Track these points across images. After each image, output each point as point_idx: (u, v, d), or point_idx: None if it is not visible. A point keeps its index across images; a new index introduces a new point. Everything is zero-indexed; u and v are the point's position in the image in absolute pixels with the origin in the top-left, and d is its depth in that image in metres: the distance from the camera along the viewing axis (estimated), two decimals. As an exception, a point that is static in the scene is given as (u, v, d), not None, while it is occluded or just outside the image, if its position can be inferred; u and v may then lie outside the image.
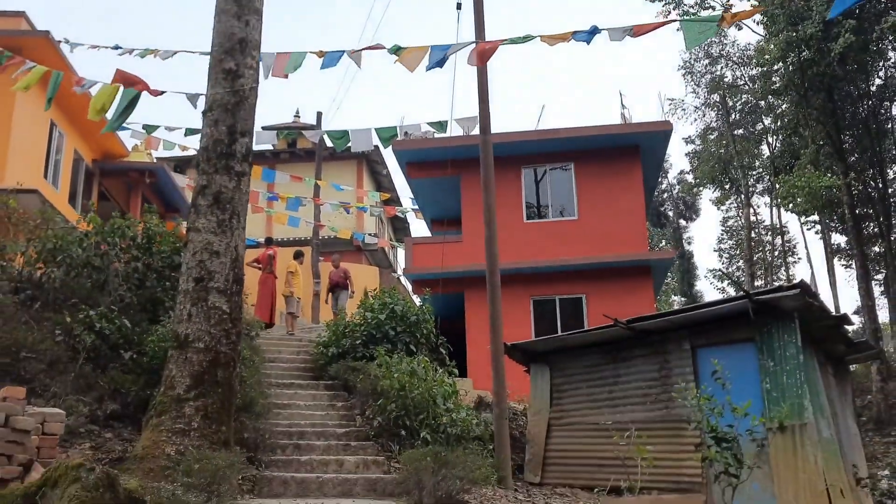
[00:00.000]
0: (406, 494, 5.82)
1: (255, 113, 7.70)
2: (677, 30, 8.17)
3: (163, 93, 8.84)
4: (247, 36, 7.62)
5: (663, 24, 7.72)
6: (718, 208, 40.63)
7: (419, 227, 55.50)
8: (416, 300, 16.61)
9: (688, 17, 8.67)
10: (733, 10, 7.62)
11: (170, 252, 9.22)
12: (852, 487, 9.54)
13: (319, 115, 23.33)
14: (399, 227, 34.61)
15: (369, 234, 26.58)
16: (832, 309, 28.44)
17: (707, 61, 34.74)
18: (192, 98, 9.31)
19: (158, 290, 9.00)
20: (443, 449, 6.38)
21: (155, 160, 21.09)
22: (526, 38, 8.70)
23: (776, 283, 38.33)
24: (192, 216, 7.13)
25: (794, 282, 9.33)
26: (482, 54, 8.79)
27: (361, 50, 9.57)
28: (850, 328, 10.40)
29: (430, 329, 11.66)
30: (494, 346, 8.75)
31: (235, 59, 7.51)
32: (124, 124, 10.03)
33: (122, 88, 8.65)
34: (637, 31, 7.71)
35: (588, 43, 8.16)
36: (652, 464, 6.34)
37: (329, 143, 14.49)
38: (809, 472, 8.10)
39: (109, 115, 9.03)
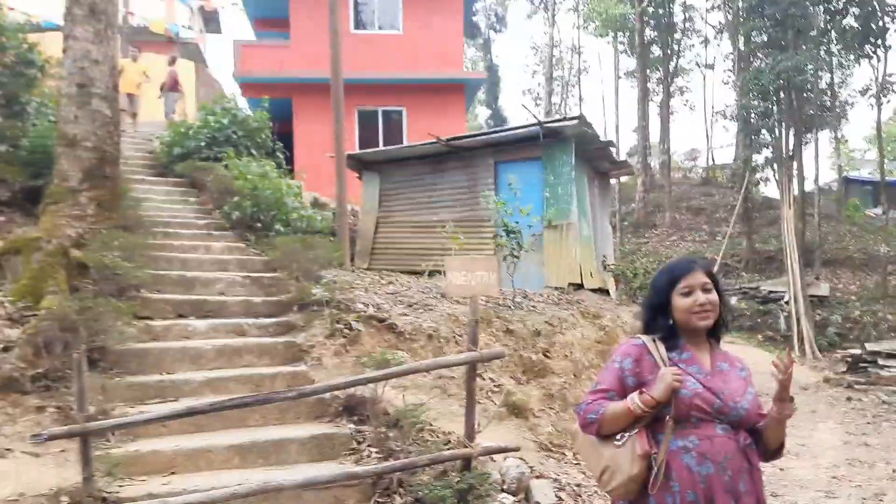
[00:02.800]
0: (281, 269, 7.55)
1: (119, -75, 8.08)
2: None
3: None
4: None
5: None
6: (528, 18, 42.92)
7: (235, 23, 52.44)
8: (242, 102, 17.28)
9: None
10: None
11: (21, 47, 9.43)
12: (600, 271, 12.75)
13: None
14: (210, 19, 33.16)
15: (184, 27, 25.71)
16: (614, 129, 32.50)
17: None
18: None
19: (12, 85, 9.36)
20: (301, 238, 8.11)
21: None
22: None
23: (571, 98, 42.52)
24: (67, 25, 7.68)
25: (574, 114, 11.65)
26: None
27: None
28: (613, 150, 13.11)
29: (268, 134, 12.84)
30: (338, 155, 10.30)
31: None
32: None
33: None
34: None
35: None
36: (462, 247, 8.55)
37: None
38: (569, 259, 10.92)
39: None
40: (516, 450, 4.93)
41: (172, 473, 4.37)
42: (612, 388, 2.32)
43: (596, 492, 5.36)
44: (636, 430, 2.25)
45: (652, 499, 2.22)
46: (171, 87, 15.61)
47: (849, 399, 9.83)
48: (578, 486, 5.41)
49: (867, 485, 5.56)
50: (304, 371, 5.55)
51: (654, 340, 2.35)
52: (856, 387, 11.29)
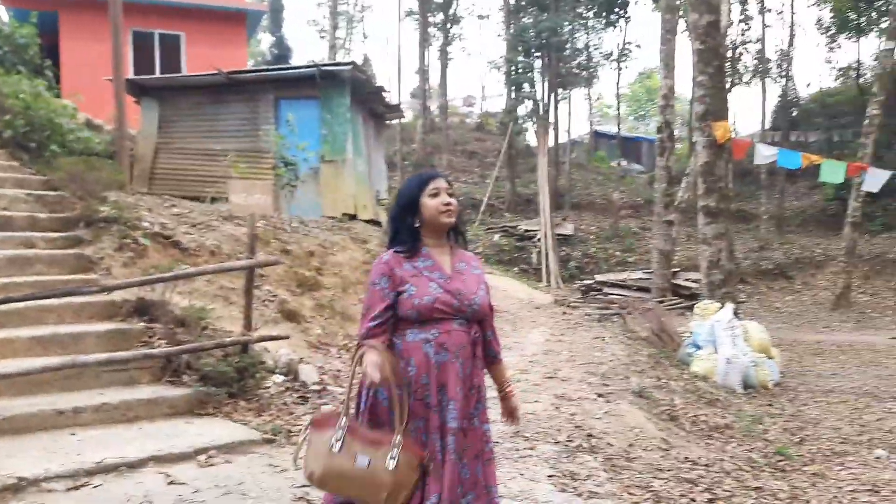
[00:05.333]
0: (64, 189, 7.83)
1: None
2: None
3: None
4: None
5: None
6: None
7: None
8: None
9: None
10: None
11: None
12: (373, 204, 14.07)
13: None
14: None
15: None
16: (396, 69, 33.48)
17: None
18: None
19: None
20: (84, 159, 8.40)
21: None
22: None
23: (357, 35, 42.99)
24: None
25: (357, 53, 12.64)
26: None
27: None
28: (386, 95, 14.33)
29: (37, 51, 12.38)
30: (117, 78, 10.37)
31: None
32: None
33: None
34: None
35: None
36: (244, 176, 9.35)
37: None
38: (344, 192, 12.08)
39: None
40: (286, 338, 6.08)
41: (-23, 360, 4.94)
42: (380, 308, 2.53)
43: (351, 375, 6.67)
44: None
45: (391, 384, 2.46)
46: None
47: (564, 313, 12.15)
48: (338, 371, 6.70)
49: (551, 365, 7.47)
50: (95, 279, 6.18)
51: (396, 252, 2.58)
52: (572, 305, 13.82)
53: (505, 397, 2.82)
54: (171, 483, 3.90)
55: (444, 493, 2.40)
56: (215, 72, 11.64)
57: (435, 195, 2.58)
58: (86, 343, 5.32)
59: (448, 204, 2.59)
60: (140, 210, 7.80)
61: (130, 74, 14.18)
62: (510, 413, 2.84)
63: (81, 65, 15.80)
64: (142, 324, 5.79)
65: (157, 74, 15.55)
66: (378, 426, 2.50)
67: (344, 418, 2.45)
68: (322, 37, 42.43)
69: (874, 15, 28.00)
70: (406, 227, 2.60)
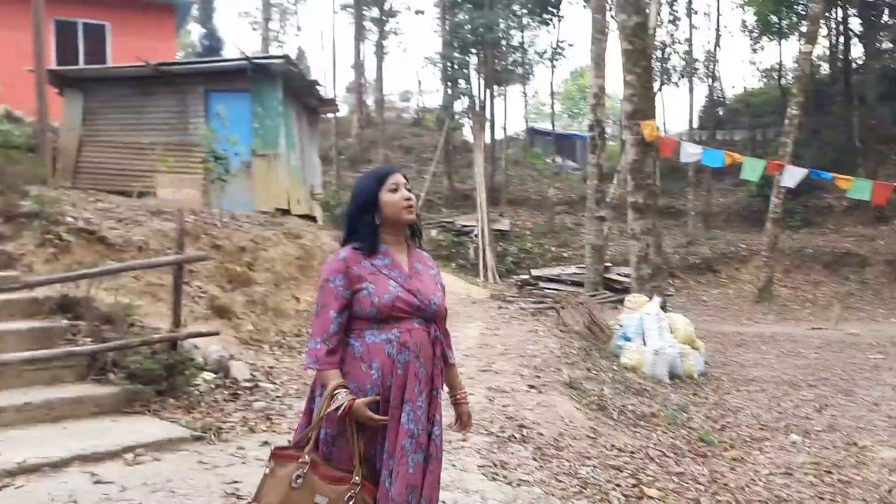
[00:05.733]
0: (-18, 182, 7.54)
1: None
2: None
3: None
4: None
5: None
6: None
7: None
8: None
9: None
10: None
11: None
12: (308, 199, 13.96)
13: None
14: None
15: None
16: (331, 63, 33.15)
17: None
18: None
19: None
20: (3, 152, 8.08)
21: None
22: None
23: (291, 28, 42.47)
24: None
25: (280, 53, 12.52)
26: None
27: None
28: (320, 89, 14.23)
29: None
30: (38, 69, 10.01)
31: None
32: None
33: None
34: None
35: None
36: (172, 170, 9.15)
37: None
38: (276, 186, 11.93)
39: None
40: (216, 334, 5.99)
41: None
42: (335, 308, 2.42)
43: (284, 371, 6.64)
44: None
45: (353, 383, 2.39)
46: None
47: (499, 308, 12.31)
48: (271, 367, 6.65)
49: (485, 358, 7.59)
50: (15, 276, 5.96)
51: (354, 249, 2.47)
52: (508, 299, 14.02)
53: (457, 403, 2.74)
54: (97, 482, 3.81)
55: (398, 498, 2.33)
56: (142, 63, 11.33)
57: (394, 190, 2.49)
58: (7, 342, 5.14)
59: (409, 199, 2.51)
60: (63, 205, 7.54)
61: (53, 65, 13.68)
62: (461, 419, 2.75)
63: (1, 54, 15.14)
64: (66, 321, 5.62)
65: (81, 65, 15.05)
66: (337, 455, 2.41)
67: (307, 456, 2.35)
68: (255, 29, 41.81)
69: (794, 18, 29.24)
70: (365, 225, 2.49)
